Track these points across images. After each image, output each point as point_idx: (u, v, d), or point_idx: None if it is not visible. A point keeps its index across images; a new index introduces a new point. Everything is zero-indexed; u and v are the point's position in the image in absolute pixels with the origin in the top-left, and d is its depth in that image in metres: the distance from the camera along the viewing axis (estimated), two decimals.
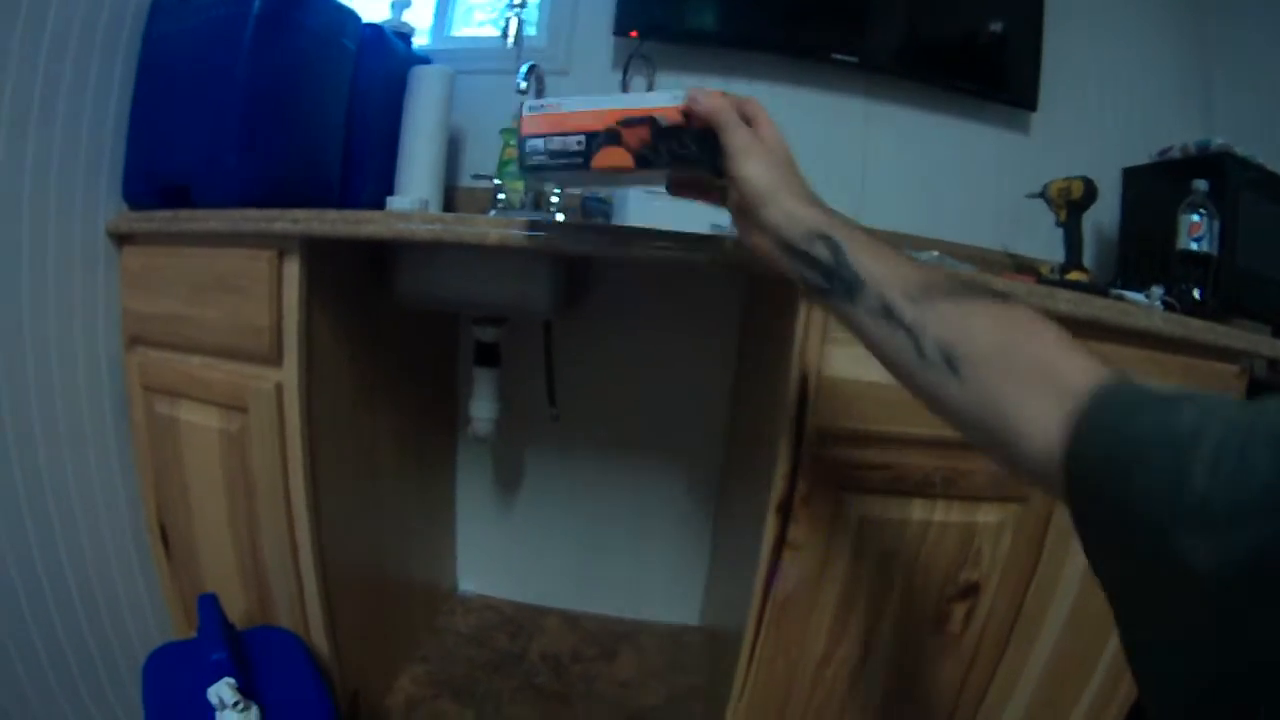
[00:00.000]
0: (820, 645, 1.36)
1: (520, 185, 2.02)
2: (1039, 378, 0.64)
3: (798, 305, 1.24)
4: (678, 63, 2.18)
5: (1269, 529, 0.39)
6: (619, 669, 2.12)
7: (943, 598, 1.34)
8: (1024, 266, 2.13)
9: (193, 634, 1.41)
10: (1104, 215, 2.15)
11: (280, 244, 1.38)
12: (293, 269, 1.39)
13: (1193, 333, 1.31)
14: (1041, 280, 1.77)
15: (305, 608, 1.54)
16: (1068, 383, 0.61)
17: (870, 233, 0.81)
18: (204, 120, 1.49)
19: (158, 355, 1.57)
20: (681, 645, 2.25)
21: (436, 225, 1.27)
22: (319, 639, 1.56)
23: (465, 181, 2.25)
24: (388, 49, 1.94)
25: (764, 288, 1.65)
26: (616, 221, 1.98)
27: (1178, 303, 1.64)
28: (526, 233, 1.21)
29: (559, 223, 1.19)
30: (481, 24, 2.45)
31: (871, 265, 0.77)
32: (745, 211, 0.88)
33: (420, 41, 2.22)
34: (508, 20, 2.01)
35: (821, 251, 0.80)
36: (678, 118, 0.91)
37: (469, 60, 2.23)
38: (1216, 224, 1.74)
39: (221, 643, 1.32)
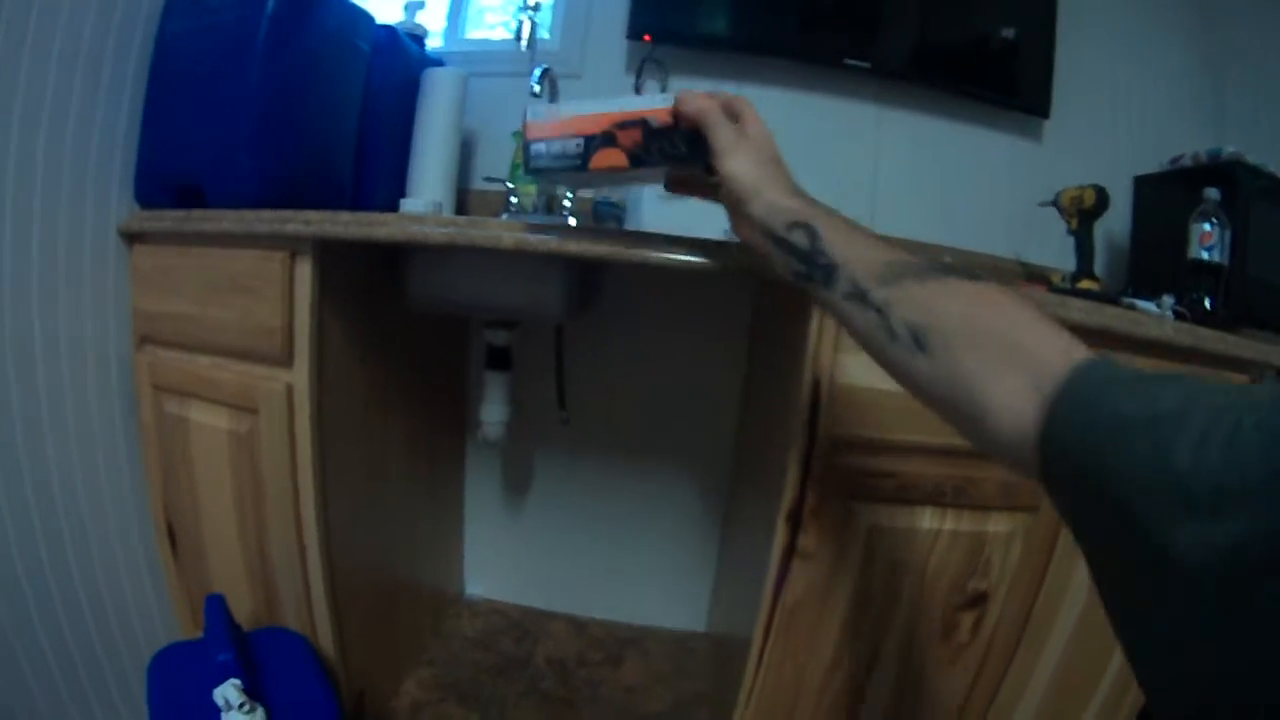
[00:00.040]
0: (828, 653, 1.36)
1: (532, 189, 2.02)
2: (1007, 354, 0.64)
3: (810, 311, 1.24)
4: (690, 67, 2.18)
5: (1254, 520, 0.39)
6: (625, 674, 2.12)
7: (951, 607, 1.34)
8: (1035, 274, 2.13)
9: (199, 634, 1.40)
10: (1115, 223, 2.14)
11: (293, 245, 1.38)
12: (305, 270, 1.39)
13: (1203, 342, 1.31)
14: (1053, 289, 1.76)
15: (312, 609, 1.54)
16: (1040, 361, 0.61)
17: (850, 221, 0.84)
18: (217, 120, 1.49)
19: (168, 355, 1.57)
20: (687, 651, 2.24)
21: (450, 228, 1.26)
22: (325, 641, 1.56)
23: (477, 184, 2.25)
24: (401, 51, 1.94)
25: (775, 293, 1.65)
26: (629, 226, 1.98)
27: (1188, 312, 1.63)
28: (540, 237, 1.21)
29: (573, 227, 1.19)
30: (493, 26, 2.45)
31: (845, 250, 0.80)
32: (734, 206, 0.93)
33: (433, 44, 2.23)
34: (521, 23, 2.01)
35: (800, 239, 0.83)
36: (668, 119, 0.96)
37: (481, 63, 2.23)
38: (1228, 233, 1.73)
39: (228, 643, 1.31)
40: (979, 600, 1.34)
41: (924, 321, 0.71)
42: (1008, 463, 0.64)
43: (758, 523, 1.56)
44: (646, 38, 2.12)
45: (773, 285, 1.58)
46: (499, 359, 1.99)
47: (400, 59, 1.94)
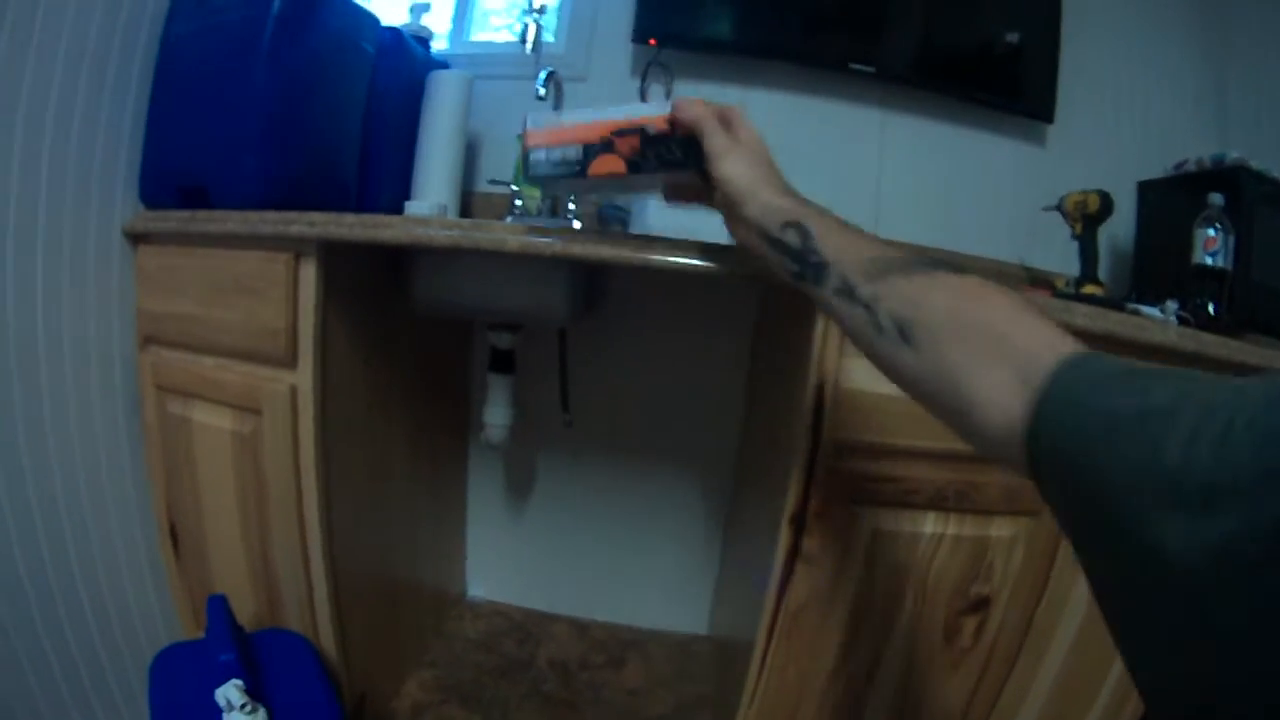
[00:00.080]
0: (831, 656, 1.36)
1: (537, 192, 2.02)
2: (992, 347, 0.64)
3: (814, 316, 1.24)
4: (695, 71, 2.18)
5: (1246, 518, 0.38)
6: (627, 677, 2.12)
7: (953, 611, 1.34)
8: (1039, 279, 2.13)
9: (200, 635, 1.40)
10: (1119, 228, 2.14)
11: (297, 247, 1.38)
12: (309, 272, 1.39)
13: (1206, 348, 1.30)
14: (1057, 294, 1.76)
15: (314, 610, 1.54)
16: (1026, 354, 0.61)
17: (841, 220, 0.85)
18: (222, 121, 1.50)
19: (171, 355, 1.58)
20: (690, 654, 2.24)
21: (455, 231, 1.26)
22: (327, 642, 1.56)
23: (482, 187, 2.25)
24: (406, 53, 1.95)
25: (779, 297, 1.65)
26: (634, 229, 1.98)
27: (1192, 317, 1.63)
28: (545, 240, 1.21)
29: (578, 230, 1.19)
30: (498, 29, 2.45)
31: (835, 247, 0.81)
32: (730, 209, 0.95)
33: (438, 46, 2.23)
34: (526, 26, 2.01)
35: (793, 238, 0.85)
36: (664, 126, 0.99)
37: (486, 65, 2.23)
38: (1231, 238, 1.73)
39: (230, 644, 1.31)
40: (981, 605, 1.34)
41: (909, 315, 0.71)
42: (995, 457, 0.64)
43: (761, 526, 1.56)
44: (651, 41, 2.12)
45: (776, 289, 1.58)
46: (503, 362, 1.99)
47: (405, 61, 1.95)
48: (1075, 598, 1.37)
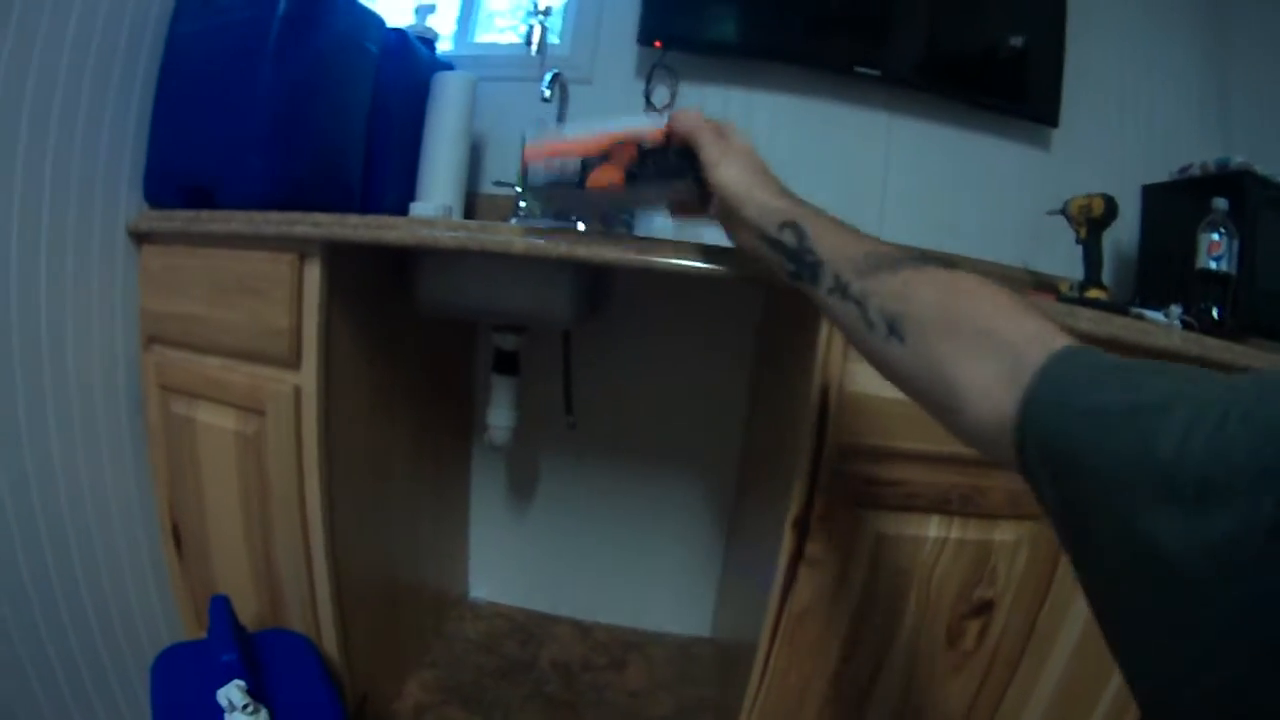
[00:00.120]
0: (833, 660, 1.36)
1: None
2: (980, 341, 0.64)
3: (819, 320, 1.24)
4: (701, 73, 2.18)
5: (1241, 515, 0.38)
6: (629, 679, 2.12)
7: (957, 615, 1.34)
8: (1043, 283, 2.13)
9: (202, 635, 1.40)
10: (1123, 232, 2.13)
11: (302, 247, 1.38)
12: (314, 273, 1.39)
13: (1210, 352, 1.30)
14: (1061, 298, 1.77)
15: (317, 611, 1.54)
16: (1016, 347, 0.61)
17: (836, 219, 0.86)
18: (227, 121, 1.50)
19: (175, 355, 1.58)
20: (691, 656, 2.24)
21: (461, 233, 1.26)
22: (329, 642, 1.56)
23: (486, 188, 2.25)
24: (411, 54, 1.95)
25: (783, 300, 1.65)
26: (639, 232, 1.98)
27: (1196, 322, 1.63)
28: (552, 242, 1.21)
29: (584, 232, 1.19)
30: (503, 31, 2.45)
31: (830, 246, 0.82)
32: (728, 214, 0.96)
33: (443, 47, 2.23)
34: (531, 28, 2.01)
35: (789, 238, 0.86)
36: (660, 138, 1.02)
37: (491, 67, 2.23)
38: (1236, 243, 1.73)
39: (232, 644, 1.31)
40: (985, 608, 1.34)
41: (898, 309, 0.72)
42: (985, 452, 0.64)
43: (764, 529, 1.56)
44: (657, 44, 2.12)
45: (779, 292, 1.58)
46: (507, 363, 1.99)
47: (410, 62, 1.95)
48: (1078, 602, 1.37)
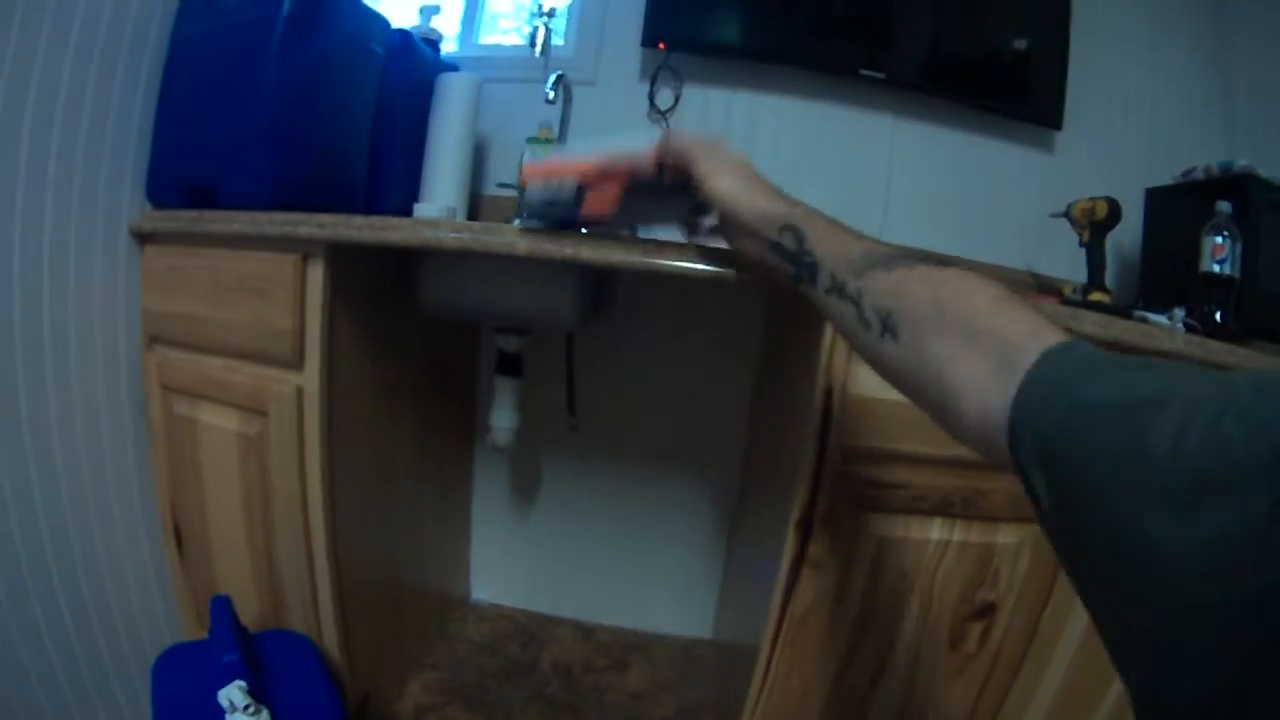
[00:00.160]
0: (836, 662, 1.36)
1: None
2: (975, 338, 0.64)
3: (822, 323, 1.23)
4: (705, 75, 2.18)
5: (1235, 513, 0.38)
6: (630, 680, 2.12)
7: (959, 617, 1.33)
8: (1047, 286, 2.13)
9: (204, 635, 1.40)
10: (1126, 235, 2.13)
11: (305, 248, 1.38)
12: (317, 273, 1.39)
13: (1213, 355, 1.30)
14: (1065, 300, 1.76)
15: (318, 612, 1.54)
16: (1008, 344, 0.60)
17: (832, 219, 0.87)
18: (231, 121, 1.50)
19: (177, 355, 1.58)
20: (693, 658, 2.24)
21: (465, 234, 1.26)
22: (331, 643, 1.56)
23: (489, 190, 2.25)
24: (416, 55, 1.95)
25: (787, 304, 1.65)
26: (643, 234, 1.98)
27: (1200, 325, 1.63)
28: (556, 243, 1.21)
29: (588, 234, 1.19)
30: (507, 32, 2.46)
31: (826, 247, 0.83)
32: (728, 224, 0.98)
33: (447, 49, 2.23)
34: (535, 29, 2.01)
35: (789, 241, 0.87)
36: (652, 159, 1.03)
37: (495, 69, 2.23)
38: (1239, 246, 1.73)
39: (234, 645, 1.31)
40: (987, 611, 1.33)
41: (893, 307, 0.72)
42: (979, 449, 0.63)
43: (767, 531, 1.56)
44: (661, 46, 2.12)
45: (782, 295, 1.58)
46: (510, 365, 1.99)
47: (415, 63, 1.95)
48: (1080, 605, 1.36)
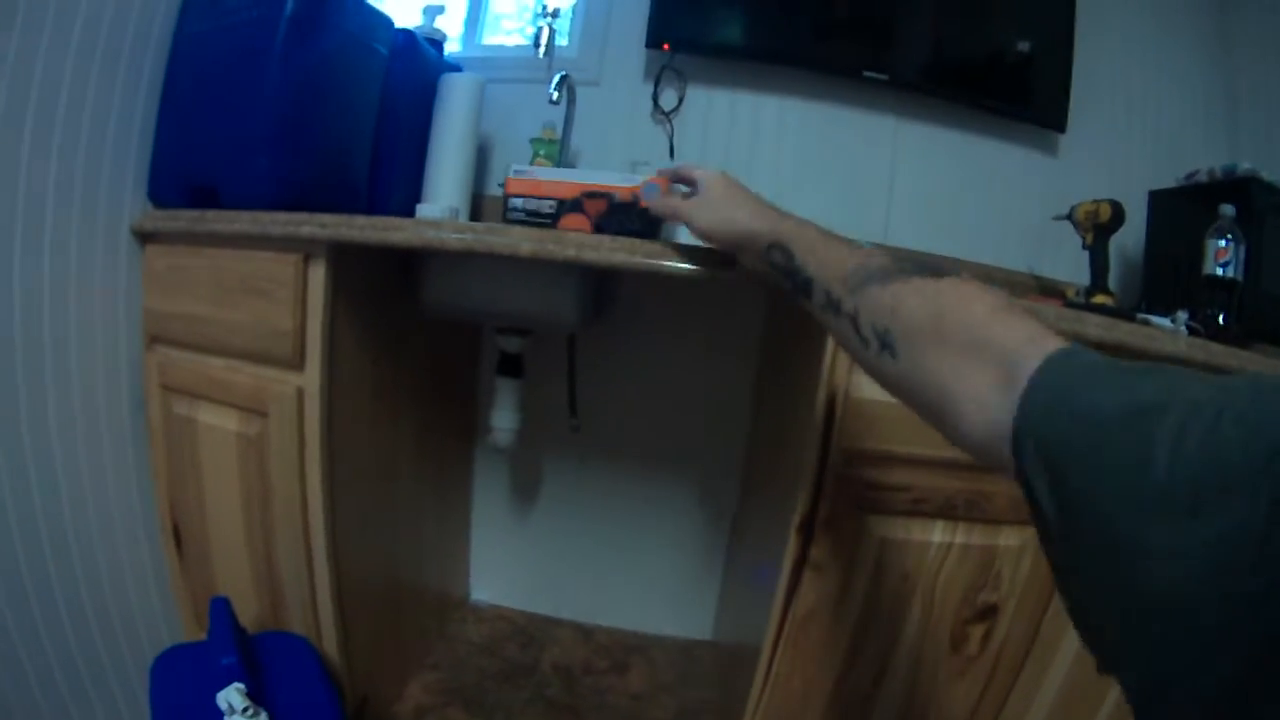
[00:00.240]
0: (837, 664, 1.35)
1: None
2: (973, 349, 0.63)
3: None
4: (708, 76, 2.18)
5: (1235, 517, 0.38)
6: (630, 682, 2.11)
7: (961, 620, 1.33)
8: (1049, 289, 2.13)
9: (202, 636, 1.40)
10: (1129, 238, 2.13)
11: (307, 248, 1.38)
12: (318, 274, 1.39)
13: (1216, 358, 1.30)
14: (1068, 303, 1.76)
15: (318, 613, 1.54)
16: (1007, 353, 0.60)
17: (822, 230, 0.88)
18: (233, 121, 1.49)
19: (178, 355, 1.58)
20: (693, 660, 2.24)
21: (467, 235, 1.26)
22: (330, 645, 1.56)
23: (492, 190, 2.24)
24: (419, 55, 1.94)
25: (788, 307, 1.65)
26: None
27: (1202, 328, 1.63)
28: (558, 245, 1.20)
29: (590, 235, 1.20)
30: (510, 33, 2.45)
31: (817, 262, 0.84)
32: (726, 250, 1.03)
33: (451, 49, 2.23)
34: (539, 30, 2.02)
35: (779, 258, 0.88)
36: (629, 197, 1.14)
37: (499, 69, 2.22)
38: (1242, 249, 1.72)
39: (232, 647, 1.31)
40: (989, 613, 1.33)
41: (889, 325, 0.72)
42: (983, 459, 0.63)
43: (768, 533, 1.56)
44: (665, 46, 2.12)
45: (785, 295, 1.58)
46: (511, 366, 1.99)
47: (418, 63, 1.94)
48: None
